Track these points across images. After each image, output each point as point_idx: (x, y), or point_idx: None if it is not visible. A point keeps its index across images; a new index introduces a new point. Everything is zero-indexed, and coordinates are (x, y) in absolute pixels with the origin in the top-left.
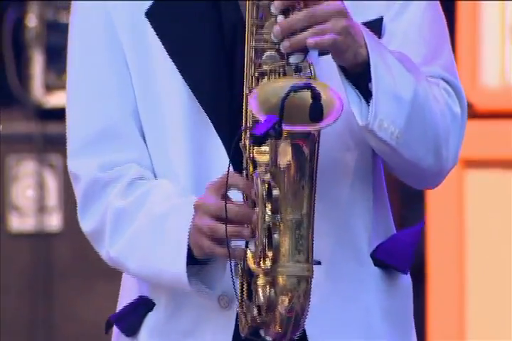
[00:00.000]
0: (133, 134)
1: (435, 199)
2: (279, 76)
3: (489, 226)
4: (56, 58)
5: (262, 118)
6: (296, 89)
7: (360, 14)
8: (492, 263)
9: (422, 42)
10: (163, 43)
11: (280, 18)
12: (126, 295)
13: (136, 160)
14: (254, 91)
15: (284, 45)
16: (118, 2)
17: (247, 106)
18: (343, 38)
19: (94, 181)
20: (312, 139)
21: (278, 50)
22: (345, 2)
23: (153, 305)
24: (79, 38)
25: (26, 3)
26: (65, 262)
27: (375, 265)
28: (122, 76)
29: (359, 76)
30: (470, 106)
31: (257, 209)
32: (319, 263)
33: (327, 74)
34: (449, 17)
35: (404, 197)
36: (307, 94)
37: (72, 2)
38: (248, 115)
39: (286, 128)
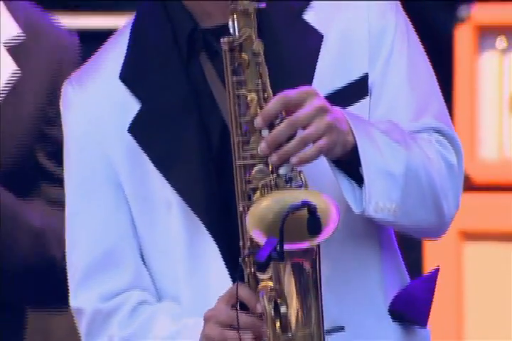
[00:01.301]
0: (131, 256)
1: None
2: (271, 189)
3: (488, 298)
4: None
5: (260, 240)
6: (293, 209)
7: (344, 74)
8: (492, 335)
9: (410, 96)
10: (149, 156)
11: (265, 131)
12: None
13: (136, 283)
14: (249, 210)
15: (272, 160)
16: (109, 119)
17: (242, 224)
18: (328, 138)
19: (97, 312)
20: (312, 252)
21: (266, 163)
22: (326, 63)
23: None
24: (76, 164)
25: None
26: None
27: (394, 319)
28: (118, 196)
29: (350, 162)
30: (468, 178)
31: (265, 320)
32: (343, 329)
33: (314, 165)
34: (446, 89)
35: None
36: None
37: (63, 118)
38: (245, 232)
39: (286, 247)
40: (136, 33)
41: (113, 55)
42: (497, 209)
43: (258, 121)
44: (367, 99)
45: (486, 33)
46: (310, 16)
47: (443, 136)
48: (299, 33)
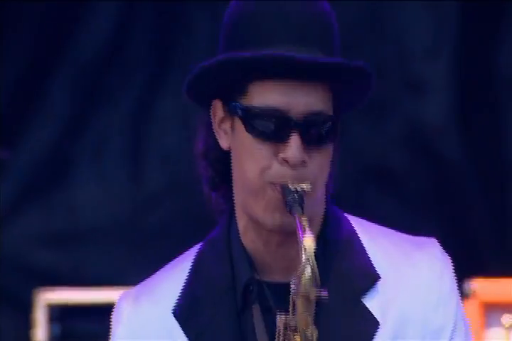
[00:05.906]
0: None
1: None
2: None
3: None
4: None
5: None
6: None
7: None
8: None
9: None
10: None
11: None
12: None
13: None
14: None
15: None
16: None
17: None
18: None
19: None
20: None
21: None
22: None
23: None
24: None
25: None
26: None
27: None
28: None
29: None
30: None
31: None
32: None
33: None
34: None
35: None
36: None
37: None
38: None
39: None
40: (198, 267)
41: (172, 281)
42: None
43: None
44: None
45: (492, 310)
46: (370, 301)
47: None
48: (355, 318)
